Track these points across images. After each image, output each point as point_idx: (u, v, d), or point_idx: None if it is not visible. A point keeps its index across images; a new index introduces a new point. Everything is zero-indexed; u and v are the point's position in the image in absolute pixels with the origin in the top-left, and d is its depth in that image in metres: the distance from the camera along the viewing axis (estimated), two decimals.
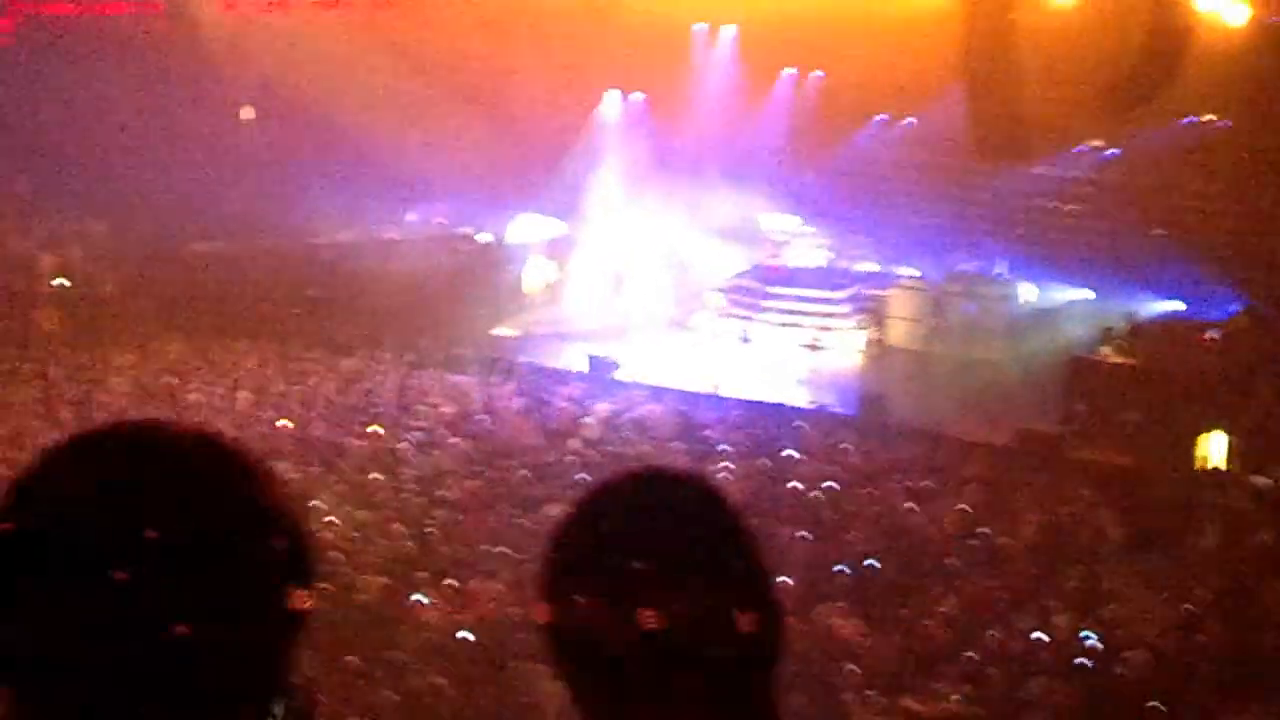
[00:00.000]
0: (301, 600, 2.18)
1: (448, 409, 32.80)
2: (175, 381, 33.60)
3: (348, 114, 36.08)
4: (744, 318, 38.66)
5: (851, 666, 21.83)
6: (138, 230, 38.81)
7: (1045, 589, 25.18)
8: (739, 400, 32.83)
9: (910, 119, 37.95)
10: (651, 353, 35.97)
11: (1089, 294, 36.86)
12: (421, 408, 32.75)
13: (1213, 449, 29.68)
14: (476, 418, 32.43)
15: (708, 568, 2.49)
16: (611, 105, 41.35)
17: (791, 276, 39.41)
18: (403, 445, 30.49)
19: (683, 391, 33.63)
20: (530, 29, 35.63)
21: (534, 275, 40.12)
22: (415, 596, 24.19)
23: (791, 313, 38.28)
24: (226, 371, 34.62)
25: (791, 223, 40.42)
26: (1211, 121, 33.80)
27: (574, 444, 30.87)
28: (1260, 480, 27.99)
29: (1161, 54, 27.66)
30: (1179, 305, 34.81)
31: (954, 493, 28.60)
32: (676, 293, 39.61)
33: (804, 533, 25.28)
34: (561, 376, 35.03)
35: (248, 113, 40.68)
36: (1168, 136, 34.01)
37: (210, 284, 38.24)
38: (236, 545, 2.12)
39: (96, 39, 39.82)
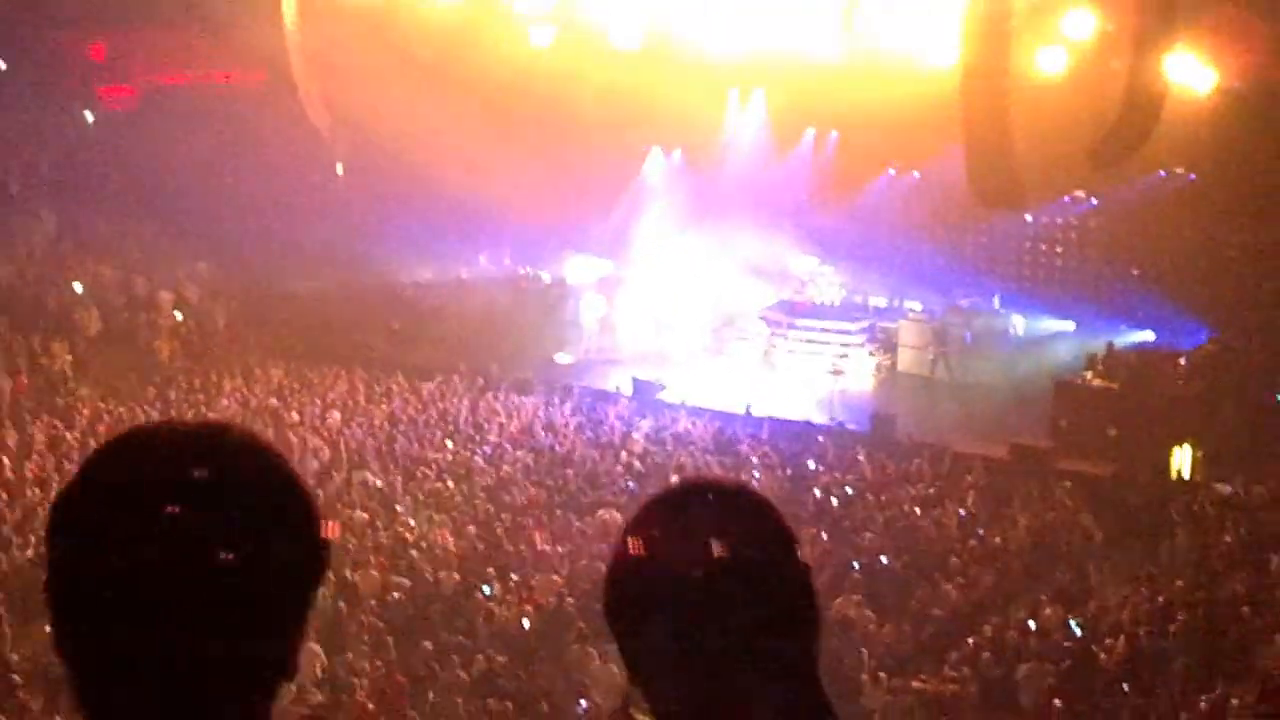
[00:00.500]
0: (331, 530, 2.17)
1: (513, 426, 32.85)
2: (276, 403, 33.72)
3: (427, 169, 36.18)
4: (772, 346, 38.70)
5: (865, 651, 21.87)
6: (244, 270, 38.96)
7: (1036, 584, 25.18)
8: (767, 418, 32.81)
9: (915, 173, 37.95)
10: (690, 376, 35.94)
11: (1072, 325, 36.79)
12: (490, 425, 32.81)
13: (1182, 460, 29.59)
14: (538, 433, 32.48)
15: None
16: (655, 160, 41.40)
17: (813, 310, 39.38)
18: (474, 458, 30.57)
19: (718, 411, 33.65)
20: (584, 94, 35.64)
21: (588, 309, 40.08)
22: (484, 589, 24.27)
23: (813, 341, 38.30)
24: (321, 394, 34.70)
25: (812, 263, 40.36)
26: (1180, 175, 33.75)
27: (622, 456, 30.91)
28: (1223, 487, 27.90)
29: (1136, 116, 27.59)
30: (1151, 335, 34.73)
31: (955, 499, 28.59)
32: (712, 324, 39.62)
33: (823, 533, 25.31)
34: (612, 397, 35.06)
35: (339, 168, 40.78)
36: (1141, 188, 33.96)
37: (307, 317, 38.35)
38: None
39: (208, 104, 40.05)
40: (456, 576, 24.53)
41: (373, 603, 23.64)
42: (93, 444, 25.34)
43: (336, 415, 33.02)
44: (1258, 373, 31.63)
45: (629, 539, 2.44)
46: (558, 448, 31.52)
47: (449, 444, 31.43)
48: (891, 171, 38.69)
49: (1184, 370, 32.54)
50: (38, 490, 26.90)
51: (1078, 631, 22.56)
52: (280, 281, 38.70)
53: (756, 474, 28.42)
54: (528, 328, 38.41)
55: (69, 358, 34.48)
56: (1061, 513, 27.66)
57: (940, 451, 30.74)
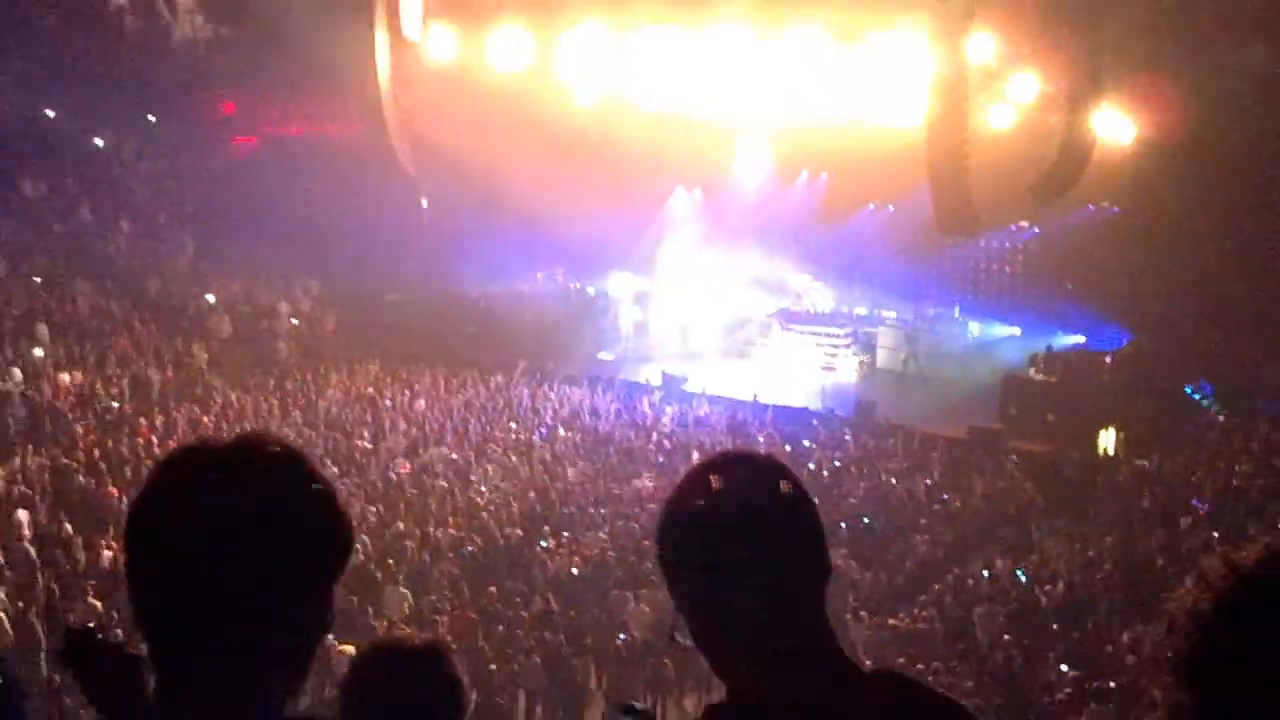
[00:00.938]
0: None
1: (564, 411, 32.94)
2: (373, 392, 33.85)
3: (494, 203, 36.26)
4: (775, 346, 38.75)
5: (850, 594, 21.93)
6: (347, 285, 39.08)
7: (989, 540, 25.28)
8: (770, 405, 32.84)
9: (890, 207, 37.96)
10: (708, 371, 35.97)
11: (1018, 330, 36.76)
12: (545, 410, 32.88)
13: (1108, 440, 29.58)
14: (585, 417, 32.55)
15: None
16: (679, 196, 41.44)
17: (808, 317, 39.46)
18: (533, 436, 30.67)
19: (731, 399, 33.70)
20: (622, 143, 35.66)
21: (625, 316, 40.16)
22: (541, 543, 24.36)
23: (807, 342, 38.38)
24: (409, 385, 34.80)
25: (807, 279, 40.40)
26: (1106, 208, 33.72)
27: (653, 436, 30.99)
28: (1141, 463, 27.90)
29: (1070, 161, 27.59)
30: (1083, 338, 34.69)
31: (923, 471, 28.67)
32: (726, 328, 39.68)
33: (816, 499, 25.31)
34: (644, 388, 35.14)
35: (423, 202, 40.89)
36: (1074, 219, 33.92)
37: (397, 323, 38.46)
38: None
39: (317, 150, 40.17)
40: (519, 533, 24.67)
41: (450, 554, 23.78)
42: (224, 427, 25.60)
43: (421, 402, 33.16)
44: (1169, 369, 31.60)
45: (686, 486, 2.51)
46: (600, 429, 31.68)
47: (512, 425, 31.55)
48: (871, 206, 38.71)
49: (1109, 367, 32.50)
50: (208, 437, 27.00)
51: (1023, 579, 22.63)
52: (376, 294, 38.86)
53: (762, 450, 28.48)
54: (576, 331, 38.48)
55: (205, 356, 34.61)
56: (1010, 482, 27.71)
57: (911, 432, 30.82)
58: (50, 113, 41.10)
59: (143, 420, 29.96)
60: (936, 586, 22.94)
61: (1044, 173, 27.98)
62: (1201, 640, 1.77)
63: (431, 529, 24.61)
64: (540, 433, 30.97)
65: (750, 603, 2.37)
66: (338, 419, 31.37)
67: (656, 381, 35.43)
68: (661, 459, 29.05)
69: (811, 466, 27.67)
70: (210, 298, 37.59)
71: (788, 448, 28.91)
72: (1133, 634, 18.88)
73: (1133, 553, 22.38)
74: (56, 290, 35.34)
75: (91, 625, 2.43)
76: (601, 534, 24.46)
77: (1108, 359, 32.87)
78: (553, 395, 34.07)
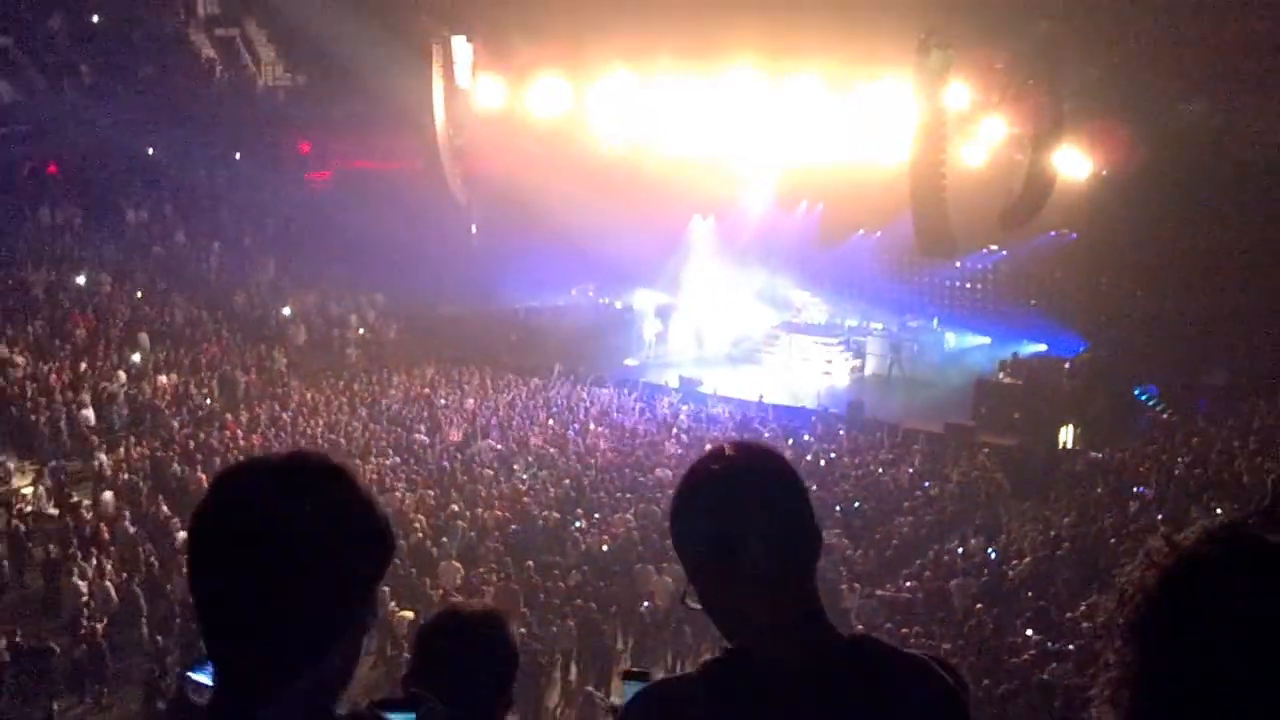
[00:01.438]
0: None
1: (594, 409, 32.91)
2: (429, 392, 33.88)
3: (535, 228, 36.27)
4: (778, 353, 38.71)
5: (843, 569, 21.91)
6: (407, 299, 39.11)
7: (963, 522, 25.18)
8: (773, 405, 32.80)
9: (878, 233, 37.88)
10: (720, 375, 35.94)
11: (988, 340, 36.68)
12: (578, 408, 32.87)
13: (1067, 435, 29.50)
14: (613, 415, 32.52)
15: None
16: (696, 224, 41.41)
17: (806, 328, 39.39)
18: (568, 431, 30.66)
19: (739, 399, 33.66)
20: (646, 178, 35.67)
21: (648, 327, 40.13)
22: (575, 524, 24.36)
23: (806, 350, 38.31)
24: (460, 386, 34.83)
25: (805, 295, 40.33)
26: (1065, 234, 33.64)
27: (672, 431, 30.96)
28: (1095, 455, 27.82)
29: (1034, 193, 27.54)
30: (1045, 347, 34.57)
31: (906, 461, 28.58)
32: (735, 338, 39.63)
33: (814, 486, 25.28)
34: (664, 390, 35.08)
35: (473, 229, 40.96)
36: (1038, 244, 33.86)
37: (451, 332, 38.49)
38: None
39: (382, 183, 40.28)
40: (556, 515, 24.64)
41: (496, 533, 23.80)
42: (300, 422, 25.60)
43: (471, 401, 33.17)
44: (1121, 373, 31.51)
45: (694, 468, 2.48)
46: (626, 425, 31.61)
47: (550, 421, 31.55)
48: (862, 232, 38.59)
49: (1068, 372, 32.44)
50: (261, 453, 27.10)
51: (993, 555, 22.59)
52: (432, 307, 38.85)
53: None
54: (605, 340, 38.38)
55: (284, 360, 34.70)
56: (981, 472, 27.62)
57: (895, 428, 30.74)
58: (151, 150, 41.31)
59: (229, 416, 30.13)
60: (918, 562, 22.88)
61: (1011, 203, 27.93)
62: (1146, 609, 1.81)
63: (480, 511, 24.66)
64: (574, 428, 30.96)
65: (747, 572, 2.35)
66: (399, 415, 31.43)
67: (675, 384, 35.35)
68: (679, 451, 29.00)
69: (809, 458, 27.62)
70: (288, 310, 37.72)
71: (789, 441, 28.87)
72: (1088, 603, 18.82)
73: (1088, 533, 22.28)
74: (156, 304, 35.54)
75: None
76: (628, 516, 24.43)
77: (1066, 364, 32.81)
78: (584, 395, 34.06)
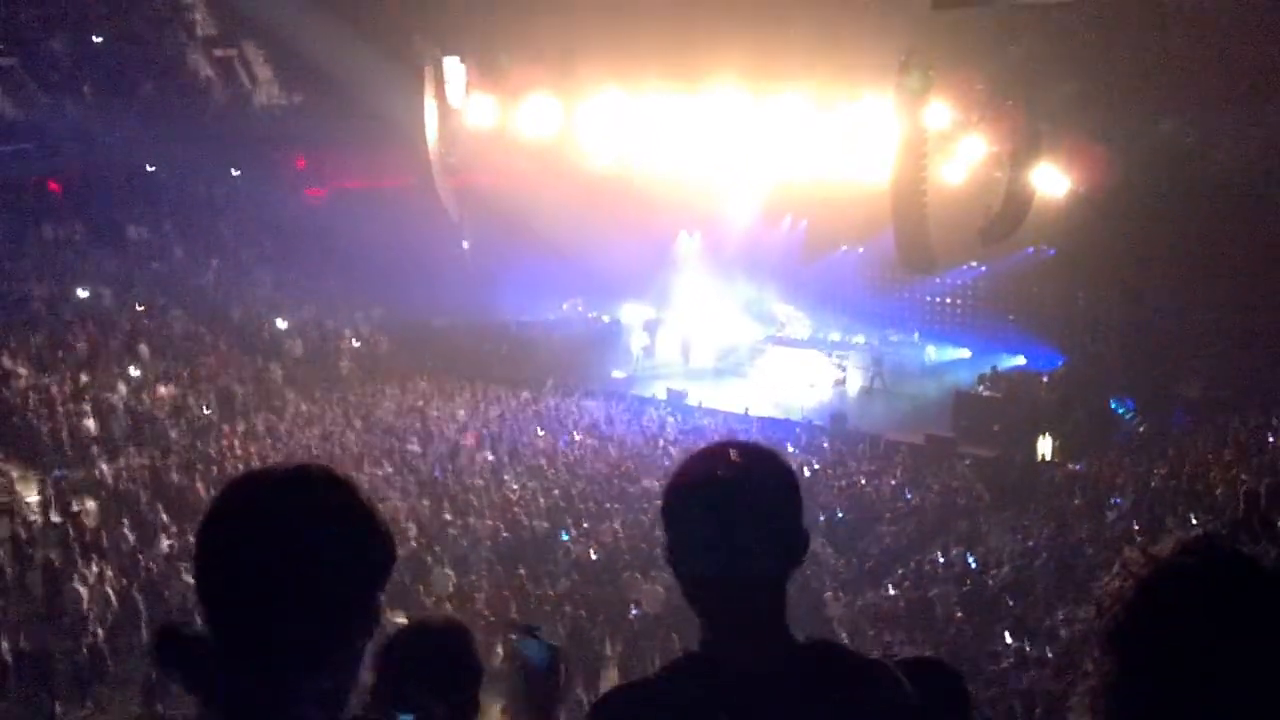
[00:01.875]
0: None
1: (584, 421, 32.90)
2: (422, 404, 33.87)
3: (526, 244, 36.36)
4: (763, 365, 38.70)
5: (827, 577, 21.91)
6: (400, 313, 39.10)
7: (944, 531, 25.15)
8: (760, 417, 32.78)
9: (860, 248, 37.97)
10: (706, 387, 35.94)
11: (969, 353, 36.72)
12: (568, 420, 32.86)
13: (1045, 447, 29.51)
14: (601, 426, 32.51)
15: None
16: (682, 239, 41.48)
17: (790, 342, 39.40)
18: (557, 442, 30.63)
19: (725, 412, 33.65)
20: (634, 194, 35.71)
21: (635, 341, 40.14)
22: (564, 533, 24.35)
23: (790, 363, 38.30)
24: (452, 397, 34.82)
25: (789, 309, 40.35)
26: (1043, 250, 33.72)
27: (659, 443, 30.94)
28: (1073, 466, 27.85)
29: (1012, 210, 27.63)
30: (1023, 360, 34.64)
31: (888, 472, 28.57)
32: (721, 351, 39.61)
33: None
34: (652, 402, 35.07)
35: (465, 244, 40.96)
36: (1016, 259, 33.93)
37: (443, 346, 38.49)
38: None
39: (376, 200, 40.27)
40: (545, 524, 24.63)
41: (487, 541, 23.77)
42: (296, 433, 25.54)
43: (463, 412, 33.16)
44: (1097, 387, 31.55)
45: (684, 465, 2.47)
46: (615, 436, 31.60)
47: (540, 432, 31.52)
48: (844, 247, 38.69)
49: (1045, 385, 32.45)
50: (258, 463, 27.09)
51: (973, 564, 22.58)
52: (425, 320, 38.84)
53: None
54: (594, 353, 38.46)
55: (280, 373, 34.67)
56: (961, 482, 27.63)
57: (878, 439, 30.72)
58: (150, 167, 41.29)
59: (227, 427, 30.10)
60: (900, 570, 22.89)
61: (990, 220, 28.00)
62: (1124, 619, 1.82)
63: (471, 520, 24.63)
64: (563, 439, 30.94)
65: (733, 574, 2.37)
66: (392, 427, 31.40)
67: (662, 396, 35.35)
68: (667, 462, 29.00)
69: (793, 468, 27.60)
70: (284, 323, 37.66)
71: None
72: (1066, 611, 18.83)
73: (1065, 542, 22.31)
74: (155, 317, 35.47)
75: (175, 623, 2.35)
76: (615, 525, 24.42)
77: (1044, 378, 32.84)
78: (574, 407, 34.05)
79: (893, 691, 2.39)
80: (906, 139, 27.16)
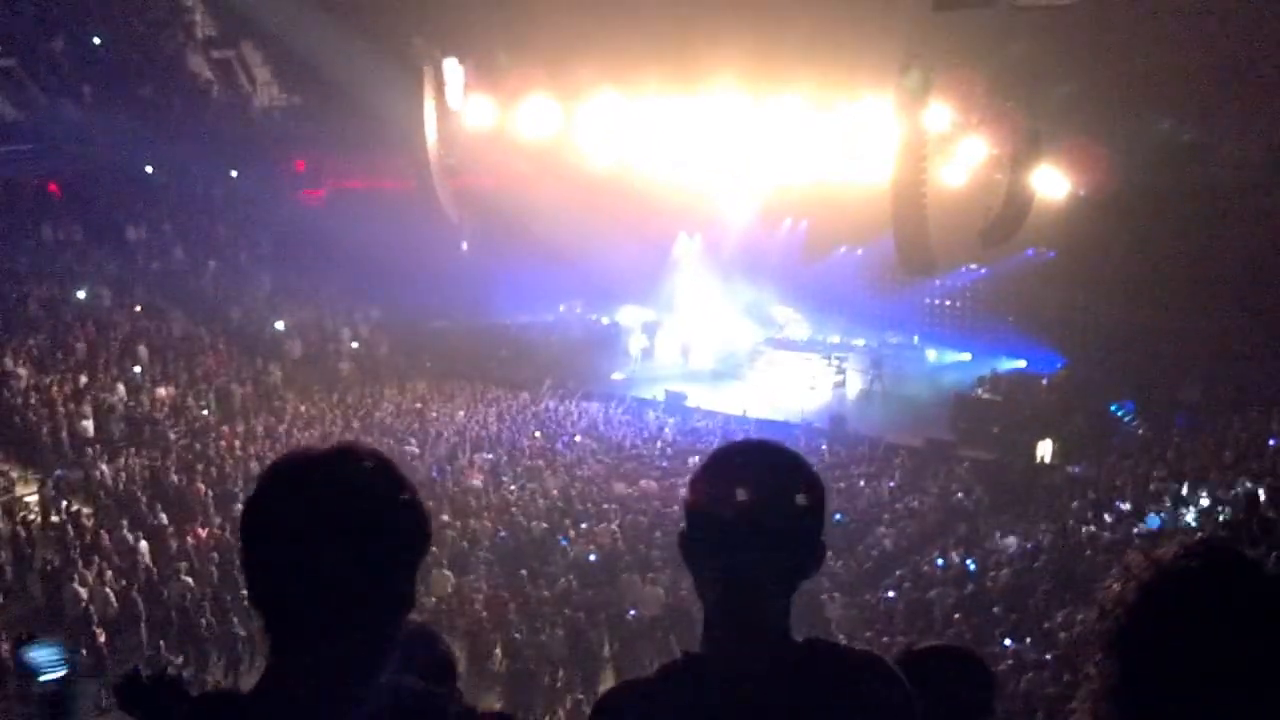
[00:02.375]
0: None
1: (582, 422, 32.93)
2: (420, 405, 33.91)
3: (525, 245, 36.37)
4: (762, 367, 38.69)
5: (825, 579, 21.91)
6: (399, 314, 39.13)
7: (943, 534, 25.17)
8: (759, 419, 32.76)
9: (860, 250, 37.97)
10: (705, 389, 35.94)
11: (969, 356, 36.74)
12: (566, 421, 32.88)
13: (1045, 450, 29.51)
14: (600, 428, 32.54)
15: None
16: (682, 241, 41.49)
17: (790, 344, 39.42)
18: (556, 444, 30.66)
19: (724, 414, 33.65)
20: (633, 196, 35.72)
21: (634, 343, 40.17)
22: (563, 533, 24.38)
23: (789, 366, 38.30)
24: (451, 399, 34.86)
25: (789, 311, 40.37)
26: (1043, 252, 33.72)
27: (658, 444, 30.97)
28: (1073, 469, 27.86)
29: (1012, 212, 27.66)
30: (1024, 363, 34.64)
31: (887, 474, 28.59)
32: (719, 353, 39.58)
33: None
34: (651, 403, 35.10)
35: (464, 245, 40.96)
36: (1016, 262, 33.94)
37: (442, 347, 38.53)
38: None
39: (375, 202, 40.22)
40: (544, 525, 24.65)
41: (486, 542, 23.84)
42: (295, 434, 25.56)
43: (461, 413, 33.21)
44: (1097, 390, 31.56)
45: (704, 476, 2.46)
46: (613, 437, 31.62)
47: (538, 434, 31.53)
48: (844, 249, 38.69)
49: (1045, 388, 32.49)
50: (257, 464, 27.15)
51: (972, 567, 22.58)
52: (424, 322, 38.88)
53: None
54: (593, 355, 38.47)
55: (279, 374, 34.70)
56: (961, 485, 27.64)
57: (877, 442, 30.73)
58: (149, 169, 41.29)
59: (226, 428, 30.14)
60: (899, 573, 22.91)
61: (990, 222, 28.04)
62: (1126, 622, 1.81)
63: (470, 521, 24.65)
64: (562, 440, 30.95)
65: (754, 576, 2.39)
66: (391, 428, 31.42)
67: (660, 398, 35.37)
68: (664, 464, 29.04)
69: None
70: (283, 324, 37.67)
71: None
72: (1065, 614, 18.85)
73: (1065, 545, 22.33)
74: (154, 318, 35.47)
75: (138, 669, 2.35)
76: (614, 526, 24.43)
77: (1044, 381, 32.87)
78: (573, 408, 34.06)
79: (889, 690, 2.40)
80: (906, 140, 27.19)
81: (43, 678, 2.81)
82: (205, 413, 30.93)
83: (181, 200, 41.53)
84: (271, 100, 46.05)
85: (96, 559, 22.01)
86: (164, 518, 23.89)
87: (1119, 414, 31.31)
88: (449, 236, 39.41)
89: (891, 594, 21.70)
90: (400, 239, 37.45)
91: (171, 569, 21.68)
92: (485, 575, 22.35)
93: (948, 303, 38.20)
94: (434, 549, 23.02)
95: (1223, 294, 29.91)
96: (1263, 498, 20.17)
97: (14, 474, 26.28)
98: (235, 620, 20.37)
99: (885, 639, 18.63)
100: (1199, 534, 16.80)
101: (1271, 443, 24.95)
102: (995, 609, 20.35)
